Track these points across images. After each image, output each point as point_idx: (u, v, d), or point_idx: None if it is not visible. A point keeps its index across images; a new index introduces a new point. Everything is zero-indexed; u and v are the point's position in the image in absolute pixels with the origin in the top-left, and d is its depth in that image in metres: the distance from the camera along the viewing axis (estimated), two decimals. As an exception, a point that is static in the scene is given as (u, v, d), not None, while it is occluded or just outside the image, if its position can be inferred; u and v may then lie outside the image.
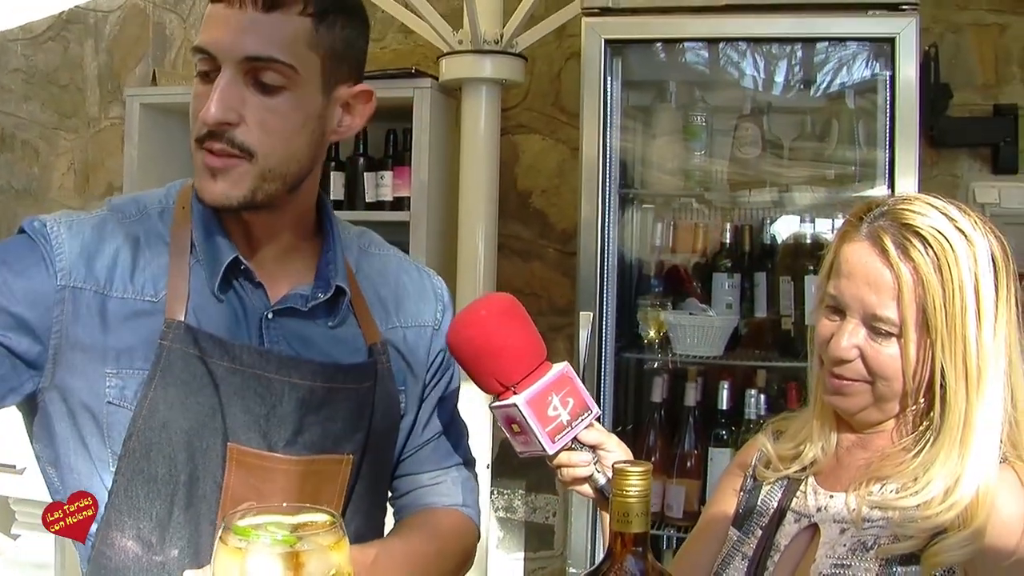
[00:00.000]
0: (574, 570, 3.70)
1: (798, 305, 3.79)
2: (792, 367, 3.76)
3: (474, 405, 2.35)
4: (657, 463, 3.75)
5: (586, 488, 1.86)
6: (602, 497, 1.85)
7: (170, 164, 4.72)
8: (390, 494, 2.09)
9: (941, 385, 1.73)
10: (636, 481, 1.38)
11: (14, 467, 3.90)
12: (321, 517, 1.44)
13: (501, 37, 4.11)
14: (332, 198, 4.26)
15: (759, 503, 1.95)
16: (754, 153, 3.96)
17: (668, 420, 3.94)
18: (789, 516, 1.89)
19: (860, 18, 3.52)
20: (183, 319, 1.73)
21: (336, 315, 1.87)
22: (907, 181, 3.43)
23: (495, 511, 4.66)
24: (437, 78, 4.26)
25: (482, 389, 1.81)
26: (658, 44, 3.94)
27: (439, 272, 2.15)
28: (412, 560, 1.85)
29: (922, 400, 1.79)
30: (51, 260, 1.71)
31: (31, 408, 1.78)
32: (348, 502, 1.86)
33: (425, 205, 4.25)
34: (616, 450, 1.86)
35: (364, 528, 1.91)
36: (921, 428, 1.80)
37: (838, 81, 3.97)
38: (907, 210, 1.76)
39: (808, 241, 3.91)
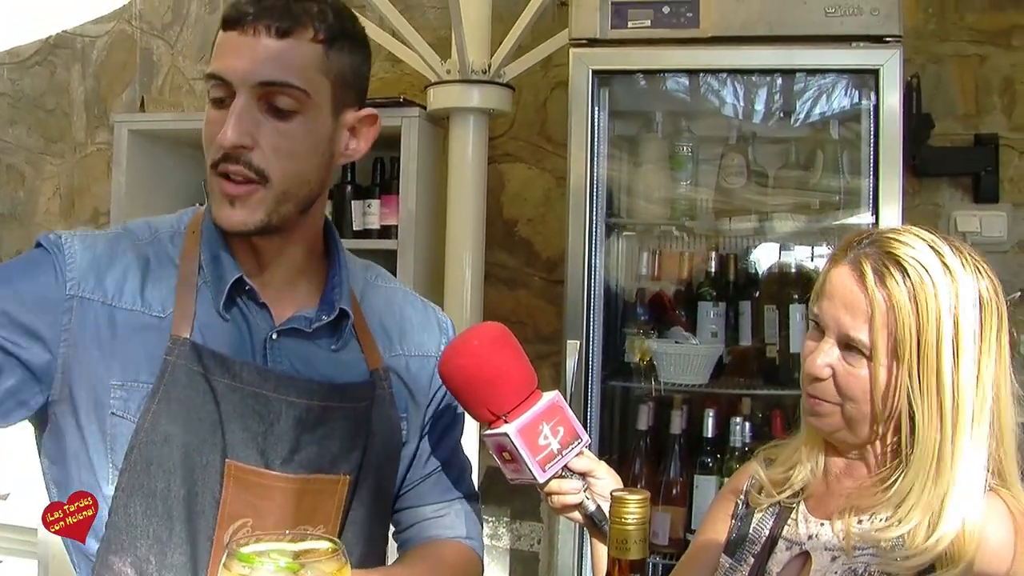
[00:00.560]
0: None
1: (783, 333, 3.82)
2: (777, 395, 3.79)
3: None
4: (649, 506, 3.75)
5: (576, 515, 1.89)
6: (592, 523, 1.88)
7: (157, 190, 4.74)
8: (393, 528, 2.11)
9: (911, 416, 1.76)
10: (635, 508, 1.41)
11: (-1, 493, 3.91)
12: (323, 544, 1.46)
13: (489, 67, 4.15)
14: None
15: (751, 531, 1.98)
16: (739, 183, 4.00)
17: (654, 448, 3.95)
18: (781, 544, 1.91)
19: (844, 50, 3.56)
20: (188, 336, 1.76)
21: (339, 338, 1.90)
22: (890, 210, 3.47)
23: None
24: (425, 107, 4.28)
25: (473, 418, 1.84)
26: (644, 75, 3.97)
27: (425, 300, 2.19)
28: None
29: (894, 435, 1.81)
30: (62, 269, 1.76)
31: (41, 423, 1.81)
32: (344, 525, 1.88)
33: (412, 233, 4.27)
34: (606, 477, 1.89)
35: (366, 556, 1.93)
36: (895, 461, 1.83)
37: (822, 111, 4.00)
38: (893, 239, 1.79)
39: (793, 270, 3.95)
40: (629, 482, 3.68)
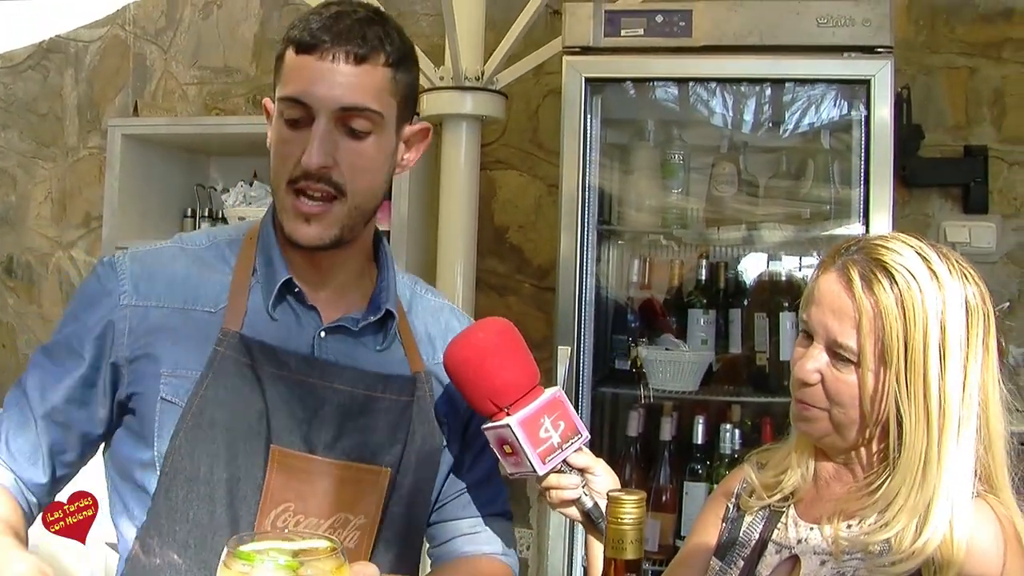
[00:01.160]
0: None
1: (772, 341, 3.83)
2: (767, 402, 3.81)
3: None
4: (645, 507, 3.76)
5: (573, 511, 1.89)
6: (588, 520, 1.89)
7: (150, 195, 4.75)
8: (428, 544, 2.15)
9: (898, 421, 1.77)
10: (631, 509, 1.43)
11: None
12: (322, 543, 1.48)
13: (482, 74, 4.17)
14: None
15: (741, 534, 1.99)
16: (730, 191, 4.02)
17: (644, 454, 3.96)
18: (770, 547, 1.92)
19: (836, 60, 3.59)
20: (238, 330, 1.87)
21: (384, 339, 1.99)
22: (881, 219, 3.49)
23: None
24: (418, 113, 4.28)
25: (476, 410, 1.85)
26: (637, 83, 3.99)
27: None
28: None
29: (881, 436, 1.83)
30: (116, 287, 1.92)
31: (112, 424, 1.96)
32: (383, 521, 1.92)
33: (404, 239, 4.28)
34: (604, 475, 1.90)
35: (401, 558, 1.99)
36: (883, 466, 1.84)
37: (813, 121, 4.03)
38: (881, 246, 1.81)
39: (783, 278, 3.96)
40: (619, 488, 3.69)
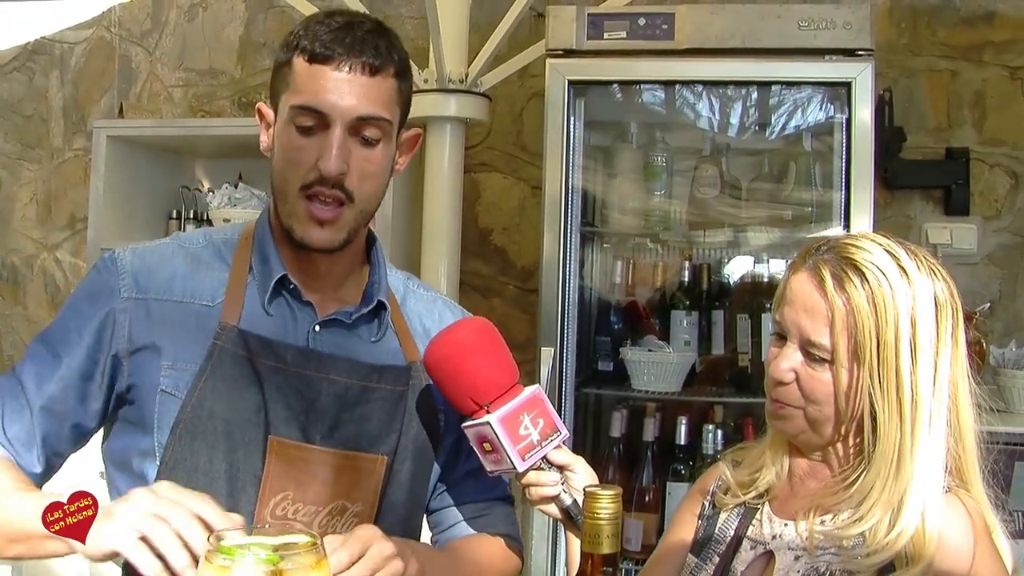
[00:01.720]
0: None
1: (755, 342, 3.86)
2: (748, 403, 3.83)
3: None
4: (621, 502, 3.77)
5: (552, 508, 1.90)
6: (567, 517, 1.90)
7: (135, 196, 4.75)
8: (432, 530, 2.18)
9: (872, 416, 1.80)
10: (607, 504, 1.44)
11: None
12: (303, 538, 1.49)
13: (466, 76, 4.18)
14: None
15: (717, 531, 2.01)
16: (713, 193, 4.04)
17: (627, 454, 3.98)
18: (745, 543, 1.94)
19: (817, 63, 3.61)
20: (236, 324, 1.93)
21: (378, 330, 2.05)
22: (862, 221, 3.51)
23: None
24: (404, 116, 4.30)
25: (456, 408, 1.86)
26: (620, 85, 4.01)
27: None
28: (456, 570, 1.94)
29: (855, 437, 1.85)
30: (116, 280, 1.97)
31: (113, 413, 1.99)
32: (382, 507, 1.97)
33: (388, 241, 4.28)
34: (583, 472, 1.91)
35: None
36: (857, 460, 1.86)
37: (795, 124, 4.05)
38: (851, 245, 1.83)
39: (765, 280, 4.00)
40: (602, 488, 3.71)
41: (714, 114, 4.13)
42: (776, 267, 4.03)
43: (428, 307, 2.18)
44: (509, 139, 4.88)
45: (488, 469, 1.88)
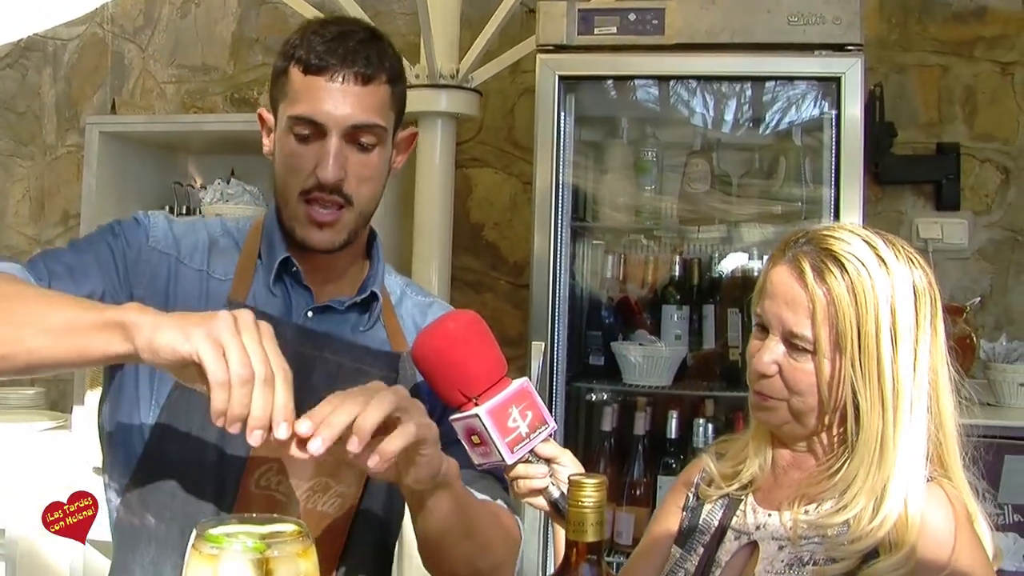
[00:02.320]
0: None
1: (745, 337, 3.85)
2: (739, 397, 3.81)
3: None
4: (606, 491, 3.79)
5: (540, 500, 1.92)
6: (555, 510, 1.91)
7: (128, 192, 4.75)
8: None
9: (855, 405, 1.81)
10: (591, 492, 1.45)
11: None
12: (289, 527, 1.51)
13: (457, 72, 4.18)
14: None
15: (701, 522, 2.02)
16: (703, 188, 4.04)
17: (618, 448, 3.99)
18: (730, 534, 1.96)
19: (807, 58, 3.62)
20: (243, 301, 1.99)
21: (369, 320, 2.11)
22: (852, 217, 3.52)
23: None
24: (395, 113, 4.30)
25: (444, 401, 1.86)
26: (610, 81, 4.02)
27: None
28: (477, 506, 1.92)
29: (839, 421, 1.87)
30: (148, 231, 2.04)
31: (111, 372, 2.04)
32: (365, 490, 1.99)
33: (380, 237, 4.27)
34: (570, 465, 1.92)
35: (384, 530, 2.07)
36: (843, 448, 1.88)
37: (786, 119, 4.06)
38: (829, 236, 1.85)
39: (755, 274, 3.98)
40: (592, 483, 3.71)
41: (705, 110, 4.14)
42: (767, 254, 4.04)
43: (423, 310, 2.22)
44: (500, 135, 4.88)
45: (476, 462, 1.87)
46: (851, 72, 3.56)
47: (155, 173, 4.93)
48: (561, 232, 3.84)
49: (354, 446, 1.52)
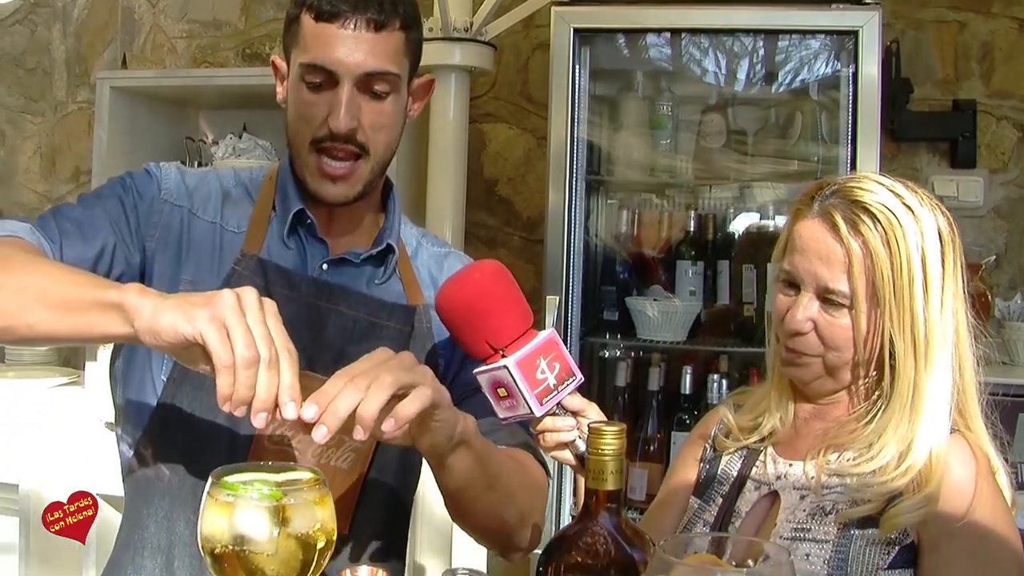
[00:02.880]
0: (538, 551, 3.71)
1: (760, 292, 3.86)
2: (753, 352, 3.83)
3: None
4: (626, 439, 3.78)
5: (566, 454, 1.86)
6: (581, 464, 1.88)
7: (139, 148, 4.72)
8: None
9: (891, 355, 1.80)
10: (611, 440, 1.43)
11: (-19, 450, 3.91)
12: (306, 475, 1.50)
13: (471, 25, 4.15)
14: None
15: (719, 472, 2.01)
16: (718, 143, 4.02)
17: (632, 404, 3.99)
18: (749, 484, 1.95)
19: (823, 11, 3.60)
20: (256, 253, 1.98)
21: (384, 273, 2.08)
22: (868, 174, 3.49)
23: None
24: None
25: (469, 353, 1.82)
26: (625, 35, 3.99)
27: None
28: (499, 458, 1.88)
29: (873, 371, 1.86)
30: (160, 183, 2.02)
31: None
32: (379, 446, 1.95)
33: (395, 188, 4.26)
34: (596, 418, 1.89)
35: (395, 481, 2.03)
36: (873, 397, 1.87)
37: (802, 77, 4.04)
38: (856, 188, 1.83)
39: (770, 230, 3.99)
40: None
41: (720, 66, 4.11)
42: (782, 217, 4.02)
43: (439, 260, 2.18)
44: (514, 89, 4.85)
45: (501, 416, 1.82)
46: (868, 26, 3.53)
47: (166, 129, 4.91)
48: (576, 187, 3.84)
49: (359, 435, 1.50)
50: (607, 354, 4.17)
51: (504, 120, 4.88)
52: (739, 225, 4.18)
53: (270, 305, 1.52)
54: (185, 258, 1.97)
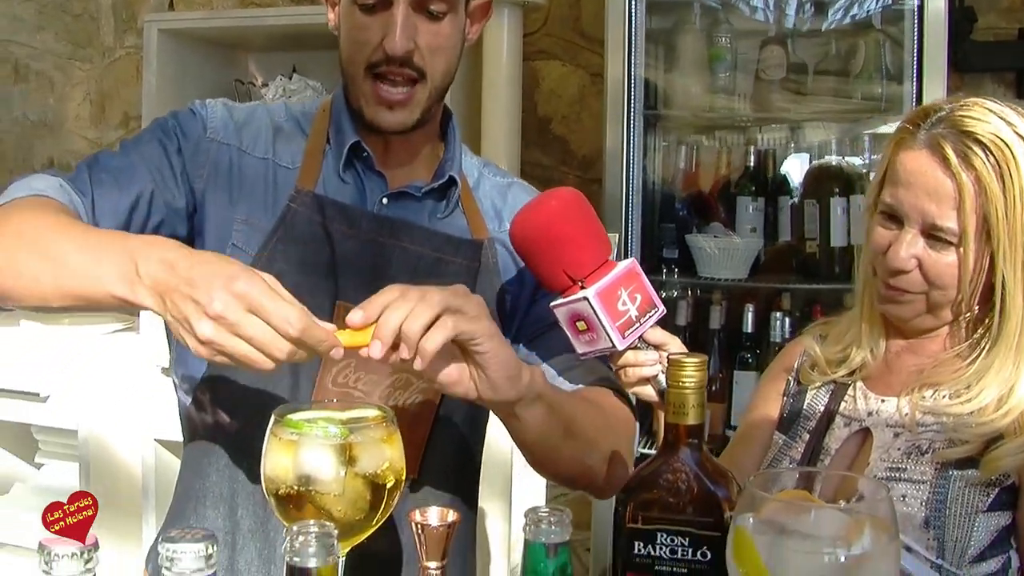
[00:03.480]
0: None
1: (823, 229, 3.78)
2: (816, 289, 3.78)
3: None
4: (707, 371, 3.76)
5: (648, 390, 1.80)
6: (663, 401, 1.82)
7: (188, 91, 4.67)
8: None
9: (1002, 294, 1.73)
10: (692, 371, 1.39)
11: (38, 395, 3.90)
12: (373, 412, 1.46)
13: (523, -42, 4.09)
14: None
15: (805, 407, 1.95)
16: (778, 75, 3.95)
17: (693, 343, 3.92)
18: (838, 420, 1.89)
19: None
20: (312, 189, 1.93)
21: (447, 207, 2.01)
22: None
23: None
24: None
25: (545, 286, 1.77)
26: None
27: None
28: (575, 403, 1.82)
29: (976, 307, 1.79)
30: (205, 122, 1.96)
31: None
32: None
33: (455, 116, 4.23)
34: (679, 351, 1.83)
35: (465, 422, 1.98)
36: (976, 336, 1.80)
37: (865, 9, 3.94)
38: (967, 117, 1.74)
39: (833, 163, 3.91)
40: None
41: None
42: (844, 151, 3.98)
43: (501, 191, 2.11)
44: (567, 25, 4.76)
45: (580, 351, 1.77)
46: (933, -47, 3.44)
47: (215, 72, 4.87)
48: (633, 124, 3.78)
49: (404, 353, 1.46)
50: (667, 293, 4.10)
51: (557, 57, 4.80)
52: (800, 161, 4.10)
53: (270, 282, 1.47)
54: (237, 197, 1.93)
